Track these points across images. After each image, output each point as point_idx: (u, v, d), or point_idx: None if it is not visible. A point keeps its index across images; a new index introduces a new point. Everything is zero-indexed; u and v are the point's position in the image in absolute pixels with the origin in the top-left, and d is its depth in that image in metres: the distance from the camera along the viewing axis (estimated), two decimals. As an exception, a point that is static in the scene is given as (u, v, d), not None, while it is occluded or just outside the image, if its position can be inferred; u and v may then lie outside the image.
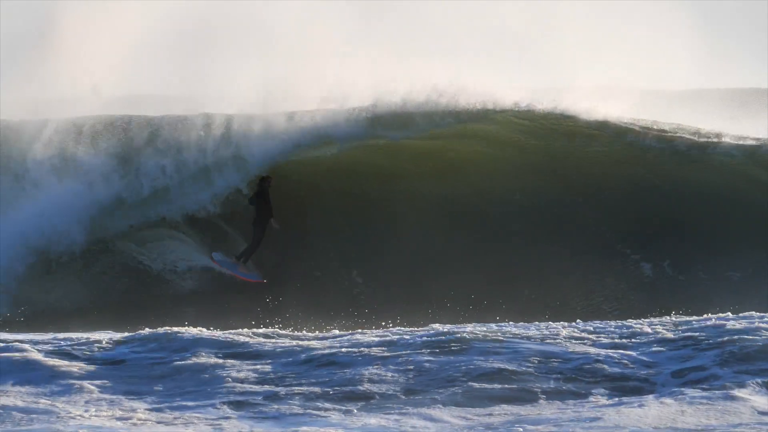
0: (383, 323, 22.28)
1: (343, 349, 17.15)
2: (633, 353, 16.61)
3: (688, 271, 24.91)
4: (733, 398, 14.99)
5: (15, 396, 15.69)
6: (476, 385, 15.85)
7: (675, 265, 24.91)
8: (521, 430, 14.34)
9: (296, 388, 16.09)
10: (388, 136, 26.99)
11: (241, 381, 16.28)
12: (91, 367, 16.59)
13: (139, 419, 15.16)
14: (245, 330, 18.28)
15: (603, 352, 16.66)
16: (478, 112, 27.32)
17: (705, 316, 18.13)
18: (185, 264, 24.98)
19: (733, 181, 26.42)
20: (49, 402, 15.36)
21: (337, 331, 18.51)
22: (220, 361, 16.85)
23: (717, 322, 17.39)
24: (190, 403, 15.64)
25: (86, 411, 15.23)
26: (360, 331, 18.52)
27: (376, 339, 17.58)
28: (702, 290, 24.59)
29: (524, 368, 16.27)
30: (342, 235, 25.97)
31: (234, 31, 32.54)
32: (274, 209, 24.73)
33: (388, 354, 16.89)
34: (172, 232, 25.82)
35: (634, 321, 18.00)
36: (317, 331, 19.05)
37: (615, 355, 16.49)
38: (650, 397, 15.33)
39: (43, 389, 15.89)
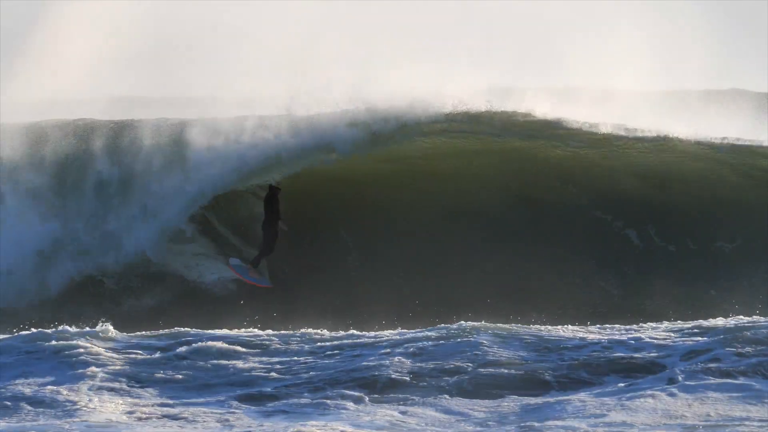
0: (394, 320, 22.36)
1: (354, 345, 17.23)
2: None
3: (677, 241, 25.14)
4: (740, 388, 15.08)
5: (24, 386, 15.79)
6: (484, 371, 15.94)
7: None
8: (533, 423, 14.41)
9: (305, 383, 16.14)
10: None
11: (251, 374, 16.34)
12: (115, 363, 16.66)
13: (144, 413, 15.22)
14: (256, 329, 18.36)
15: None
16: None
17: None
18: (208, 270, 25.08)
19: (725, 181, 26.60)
20: (75, 391, 15.46)
21: (354, 331, 18.54)
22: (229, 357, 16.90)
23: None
24: (199, 400, 15.69)
25: (95, 401, 15.31)
26: (367, 332, 18.59)
27: (388, 335, 17.63)
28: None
29: (533, 358, 16.37)
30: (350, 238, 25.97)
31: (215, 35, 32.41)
32: (282, 213, 24.75)
33: (398, 348, 16.96)
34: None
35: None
36: (326, 330, 19.13)
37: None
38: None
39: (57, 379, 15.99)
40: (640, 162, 27.14)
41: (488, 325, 17.69)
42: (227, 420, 14.97)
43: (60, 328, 17.89)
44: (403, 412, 15.14)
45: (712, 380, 15.50)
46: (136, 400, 15.70)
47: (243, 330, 18.25)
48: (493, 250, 25.35)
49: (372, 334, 18.06)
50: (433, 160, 27.31)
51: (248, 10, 33.88)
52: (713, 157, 27.41)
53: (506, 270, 25.02)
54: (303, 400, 15.60)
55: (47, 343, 17.29)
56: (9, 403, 15.47)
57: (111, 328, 17.86)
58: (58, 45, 31.55)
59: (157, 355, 17.16)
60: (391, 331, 18.15)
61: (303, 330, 18.27)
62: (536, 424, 14.28)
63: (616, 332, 17.41)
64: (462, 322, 17.92)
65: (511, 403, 15.26)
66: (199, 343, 17.39)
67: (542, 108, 27.79)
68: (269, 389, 15.94)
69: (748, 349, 16.06)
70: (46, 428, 14.50)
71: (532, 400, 15.24)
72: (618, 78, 32.27)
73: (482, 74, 29.48)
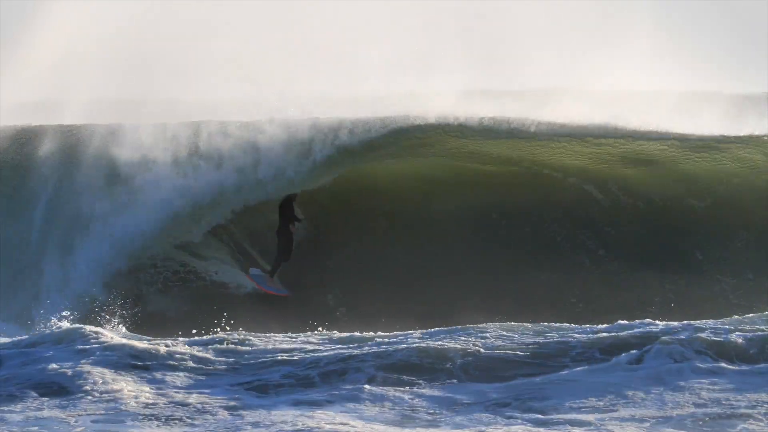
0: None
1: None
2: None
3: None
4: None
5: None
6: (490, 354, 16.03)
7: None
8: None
9: (313, 371, 16.22)
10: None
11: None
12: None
13: (149, 398, 15.29)
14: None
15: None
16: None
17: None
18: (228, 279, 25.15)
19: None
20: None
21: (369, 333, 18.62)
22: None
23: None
24: (206, 390, 15.74)
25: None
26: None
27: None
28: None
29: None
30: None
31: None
32: (300, 218, 24.77)
33: (402, 344, 17.02)
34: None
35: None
36: (336, 331, 19.20)
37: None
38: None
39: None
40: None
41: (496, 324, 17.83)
42: (235, 408, 15.05)
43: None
44: (411, 399, 15.21)
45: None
46: (144, 387, 15.80)
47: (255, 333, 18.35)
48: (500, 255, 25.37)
49: (384, 333, 18.16)
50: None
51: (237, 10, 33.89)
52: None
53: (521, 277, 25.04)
54: (311, 391, 15.69)
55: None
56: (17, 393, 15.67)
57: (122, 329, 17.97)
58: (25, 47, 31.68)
59: (168, 347, 17.25)
60: (402, 332, 18.25)
61: (316, 331, 18.40)
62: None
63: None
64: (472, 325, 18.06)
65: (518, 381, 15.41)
66: (213, 336, 17.59)
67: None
68: (277, 379, 16.02)
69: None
70: (53, 417, 14.64)
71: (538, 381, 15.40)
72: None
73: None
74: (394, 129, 26.59)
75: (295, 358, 16.69)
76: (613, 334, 17.02)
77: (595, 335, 17.04)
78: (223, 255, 25.77)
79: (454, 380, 15.78)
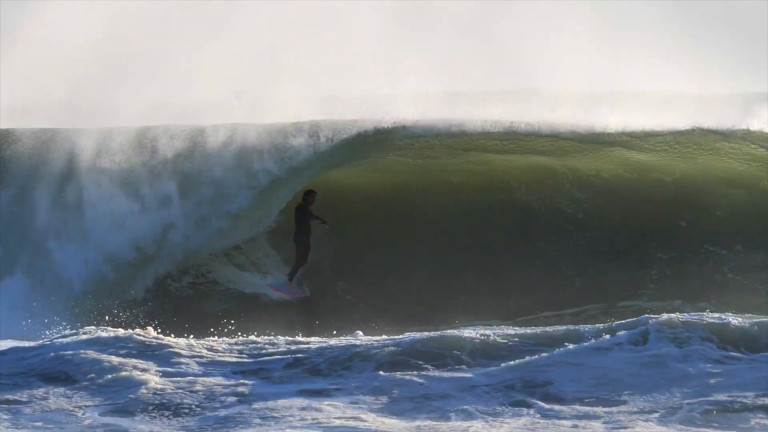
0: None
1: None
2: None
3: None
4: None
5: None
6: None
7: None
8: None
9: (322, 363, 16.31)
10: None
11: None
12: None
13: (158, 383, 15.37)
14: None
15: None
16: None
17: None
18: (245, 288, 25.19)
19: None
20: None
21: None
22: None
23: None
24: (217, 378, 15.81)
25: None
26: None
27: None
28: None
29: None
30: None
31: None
32: (322, 215, 24.46)
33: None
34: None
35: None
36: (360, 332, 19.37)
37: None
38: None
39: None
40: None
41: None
42: (243, 393, 15.14)
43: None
44: (419, 386, 15.32)
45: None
46: (153, 377, 15.88)
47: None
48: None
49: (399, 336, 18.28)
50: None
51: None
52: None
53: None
54: (318, 380, 15.77)
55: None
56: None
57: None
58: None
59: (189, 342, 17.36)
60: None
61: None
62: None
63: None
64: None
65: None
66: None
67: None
68: (281, 370, 16.12)
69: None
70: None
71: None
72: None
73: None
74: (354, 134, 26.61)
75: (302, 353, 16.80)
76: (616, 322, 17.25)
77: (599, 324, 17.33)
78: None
79: (463, 366, 15.95)
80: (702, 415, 14.22)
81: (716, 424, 13.96)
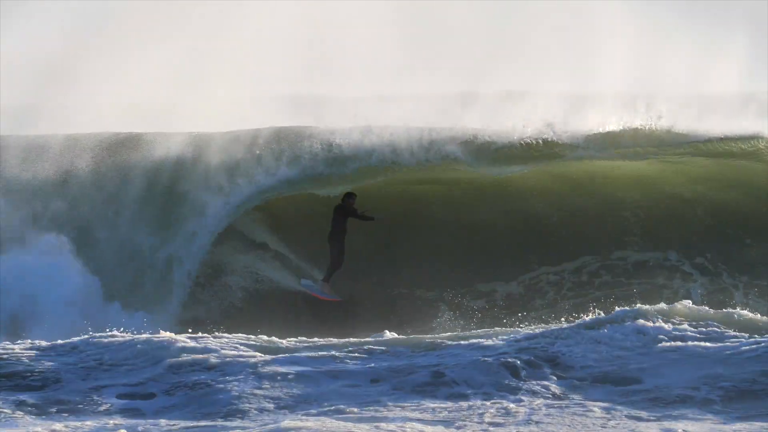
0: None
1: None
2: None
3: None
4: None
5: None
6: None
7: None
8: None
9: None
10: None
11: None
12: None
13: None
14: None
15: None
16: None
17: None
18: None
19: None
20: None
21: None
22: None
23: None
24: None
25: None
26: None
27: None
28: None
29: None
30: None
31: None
32: (367, 212, 24.64)
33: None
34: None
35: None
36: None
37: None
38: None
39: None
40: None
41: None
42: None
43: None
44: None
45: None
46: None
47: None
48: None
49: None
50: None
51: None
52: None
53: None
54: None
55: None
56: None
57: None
58: None
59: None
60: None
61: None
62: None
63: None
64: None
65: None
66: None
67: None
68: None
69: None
70: None
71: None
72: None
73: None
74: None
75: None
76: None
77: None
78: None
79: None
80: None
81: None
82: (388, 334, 20.11)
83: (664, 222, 26.04)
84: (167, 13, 32.56)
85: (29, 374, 17.12)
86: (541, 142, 27.57)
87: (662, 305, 18.38)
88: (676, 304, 18.44)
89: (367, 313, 24.81)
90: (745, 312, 18.40)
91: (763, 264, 25.15)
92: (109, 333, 18.25)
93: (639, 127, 28.12)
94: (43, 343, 18.20)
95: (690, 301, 18.72)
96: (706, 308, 18.54)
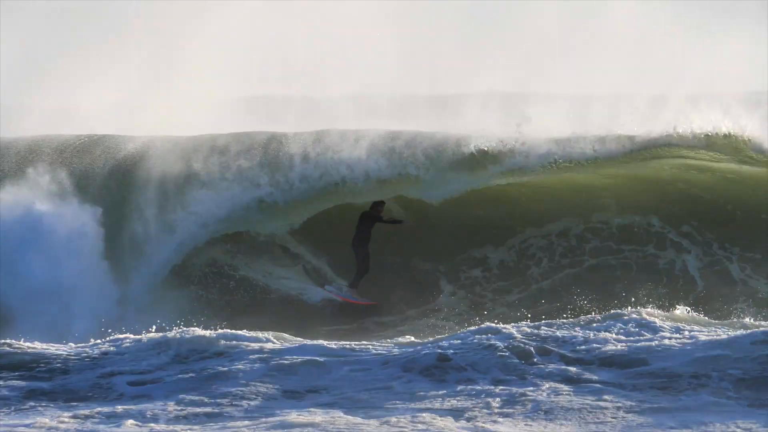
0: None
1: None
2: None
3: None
4: None
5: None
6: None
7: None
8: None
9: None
10: None
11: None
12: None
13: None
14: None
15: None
16: None
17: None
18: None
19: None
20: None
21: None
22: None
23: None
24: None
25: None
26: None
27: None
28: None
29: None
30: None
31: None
32: (395, 218, 25.03)
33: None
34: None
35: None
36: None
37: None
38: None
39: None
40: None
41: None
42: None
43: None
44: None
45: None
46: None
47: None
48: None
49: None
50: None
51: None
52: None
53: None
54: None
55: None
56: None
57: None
58: None
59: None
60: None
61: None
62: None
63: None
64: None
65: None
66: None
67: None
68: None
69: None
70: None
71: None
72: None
73: None
74: None
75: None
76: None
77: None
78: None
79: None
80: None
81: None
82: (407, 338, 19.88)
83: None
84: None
85: (36, 365, 17.28)
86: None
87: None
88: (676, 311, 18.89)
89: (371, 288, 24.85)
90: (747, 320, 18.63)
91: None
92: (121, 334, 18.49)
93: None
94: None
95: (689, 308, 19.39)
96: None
